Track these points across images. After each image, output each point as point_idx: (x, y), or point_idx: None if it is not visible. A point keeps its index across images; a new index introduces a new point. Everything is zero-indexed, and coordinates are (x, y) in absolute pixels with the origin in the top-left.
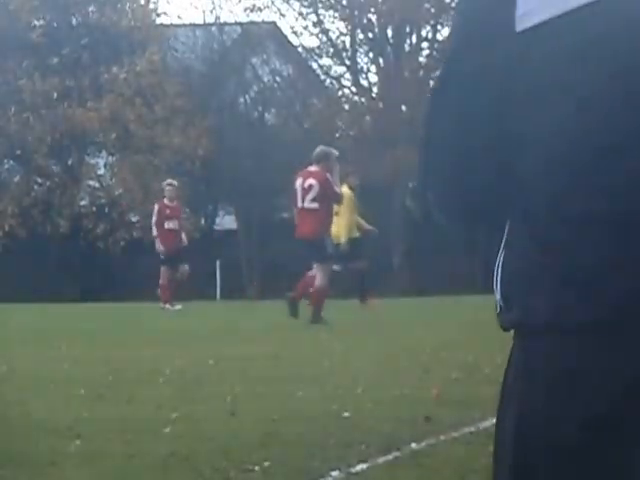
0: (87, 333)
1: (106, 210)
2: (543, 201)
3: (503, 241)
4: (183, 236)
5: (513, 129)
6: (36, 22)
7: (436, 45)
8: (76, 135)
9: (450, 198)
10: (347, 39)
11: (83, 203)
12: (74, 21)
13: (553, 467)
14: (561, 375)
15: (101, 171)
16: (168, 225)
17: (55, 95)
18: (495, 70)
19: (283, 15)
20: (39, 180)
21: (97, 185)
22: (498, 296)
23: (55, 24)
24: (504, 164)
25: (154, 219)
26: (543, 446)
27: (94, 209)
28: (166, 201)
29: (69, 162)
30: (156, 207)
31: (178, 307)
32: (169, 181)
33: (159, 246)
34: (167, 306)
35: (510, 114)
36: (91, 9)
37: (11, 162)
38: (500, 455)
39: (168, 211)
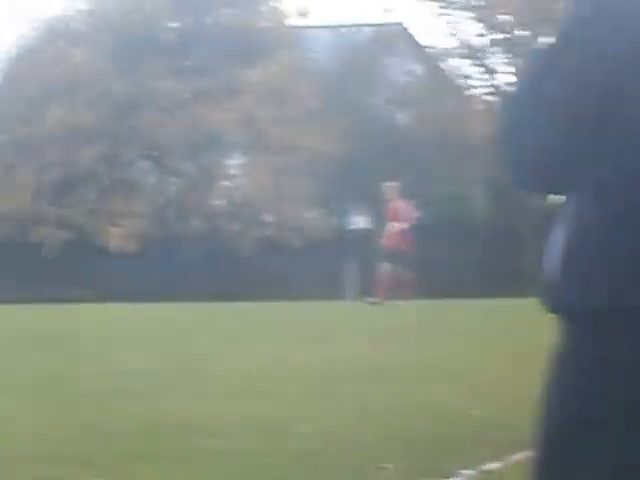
0: (219, 331)
1: (239, 210)
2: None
3: (561, 220)
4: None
5: (625, 91)
6: (170, 24)
7: None
8: (210, 136)
9: (538, 164)
10: (480, 39)
11: (217, 203)
12: (208, 22)
13: (593, 440)
14: (616, 358)
15: (234, 171)
16: (393, 224)
17: (189, 96)
18: (623, 34)
19: (415, 16)
20: (173, 180)
21: (231, 185)
22: (551, 277)
23: (189, 25)
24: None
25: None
26: (587, 423)
27: (228, 209)
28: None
29: (203, 162)
30: (391, 206)
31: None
32: (388, 183)
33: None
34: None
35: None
36: (225, 11)
37: (146, 163)
38: (544, 428)
39: (393, 211)
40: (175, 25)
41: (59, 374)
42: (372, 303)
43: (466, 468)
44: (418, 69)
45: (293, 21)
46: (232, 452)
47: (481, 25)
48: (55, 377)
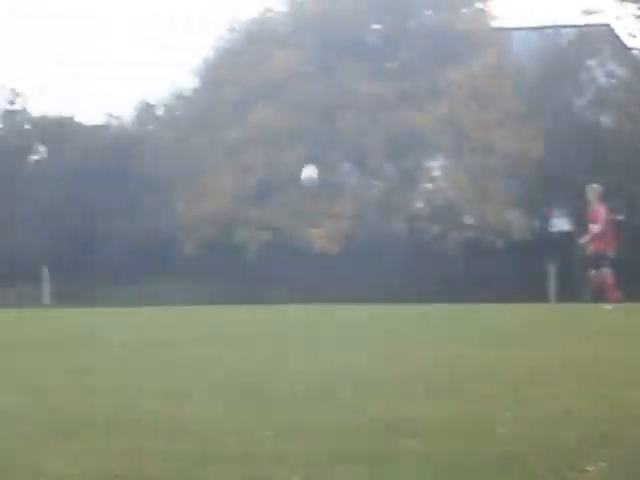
0: (424, 331)
1: (440, 212)
2: None
3: None
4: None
5: None
6: (373, 26)
7: None
8: (412, 138)
9: None
10: None
11: (419, 205)
12: (411, 25)
13: None
14: None
15: (436, 173)
16: (594, 227)
17: (392, 98)
18: None
19: (619, 18)
20: (376, 183)
21: (432, 187)
22: None
23: (392, 28)
24: None
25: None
26: None
27: (429, 211)
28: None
29: (405, 165)
30: (593, 209)
31: (609, 307)
32: (591, 185)
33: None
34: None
35: None
36: (428, 13)
37: (349, 165)
38: None
39: (595, 214)
40: (378, 27)
41: (263, 374)
42: (609, 309)
43: None
44: (622, 70)
45: (496, 22)
46: (435, 453)
47: None
48: (260, 377)
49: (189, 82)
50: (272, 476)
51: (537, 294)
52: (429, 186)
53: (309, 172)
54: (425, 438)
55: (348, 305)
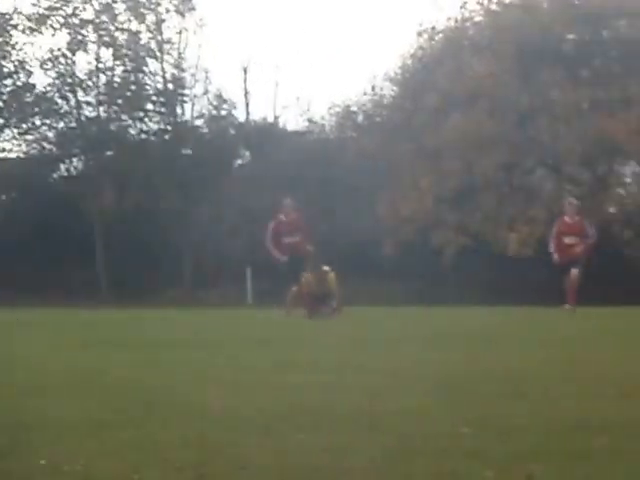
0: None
1: (632, 217)
2: None
3: None
4: None
5: None
6: (569, 35)
7: None
8: (605, 145)
9: None
10: None
11: (611, 210)
12: (604, 34)
13: None
14: None
15: (628, 179)
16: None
17: (585, 106)
18: None
19: None
20: (569, 188)
21: (624, 193)
22: None
23: (586, 37)
24: None
25: None
26: None
27: (621, 216)
28: None
29: (598, 170)
30: None
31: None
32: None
33: None
34: None
35: None
36: (621, 23)
37: (543, 170)
38: None
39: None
40: (573, 37)
41: (456, 372)
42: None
43: None
44: None
45: None
46: (627, 451)
47: None
48: (453, 375)
49: (387, 89)
50: (467, 471)
51: None
52: (621, 191)
53: None
54: (616, 436)
55: (543, 308)
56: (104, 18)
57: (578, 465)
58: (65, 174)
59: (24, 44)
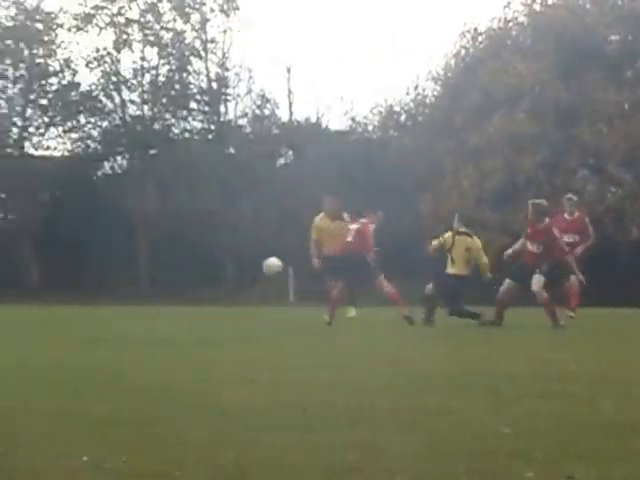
0: None
1: None
2: None
3: None
4: None
5: None
6: (612, 37)
7: None
8: None
9: None
10: None
11: None
12: None
13: None
14: None
15: None
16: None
17: (627, 106)
18: None
19: None
20: (612, 188)
21: None
22: None
23: (630, 37)
24: None
25: None
26: None
27: None
28: None
29: (639, 172)
30: None
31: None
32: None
33: None
34: None
35: None
36: None
37: (585, 171)
38: None
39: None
40: (616, 38)
41: (493, 372)
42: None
43: None
44: None
45: None
46: None
47: None
48: (491, 375)
49: (430, 89)
50: (507, 471)
51: None
52: None
53: (271, 265)
54: None
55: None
56: (149, 17)
57: (617, 466)
58: (109, 172)
59: (69, 43)
